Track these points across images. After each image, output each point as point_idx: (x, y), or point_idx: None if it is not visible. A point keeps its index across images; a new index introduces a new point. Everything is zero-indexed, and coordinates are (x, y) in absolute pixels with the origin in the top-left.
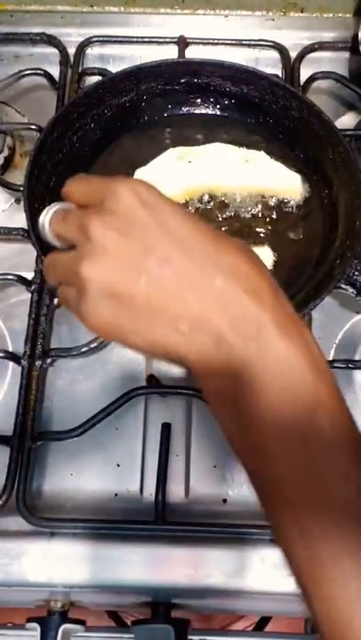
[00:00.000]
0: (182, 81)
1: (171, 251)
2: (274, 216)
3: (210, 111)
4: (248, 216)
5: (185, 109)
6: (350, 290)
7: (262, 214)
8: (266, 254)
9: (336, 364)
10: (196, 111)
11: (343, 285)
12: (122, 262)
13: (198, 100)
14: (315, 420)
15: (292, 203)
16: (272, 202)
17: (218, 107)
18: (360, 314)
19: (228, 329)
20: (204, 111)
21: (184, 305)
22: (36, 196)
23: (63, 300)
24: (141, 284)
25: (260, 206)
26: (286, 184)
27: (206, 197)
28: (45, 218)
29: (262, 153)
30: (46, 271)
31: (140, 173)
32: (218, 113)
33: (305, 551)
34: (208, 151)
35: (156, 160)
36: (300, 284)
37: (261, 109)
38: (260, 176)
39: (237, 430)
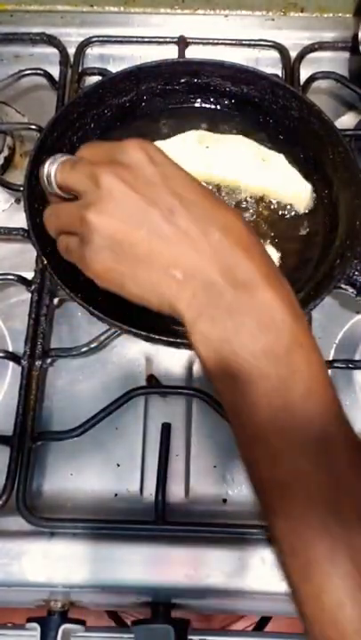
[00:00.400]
0: (182, 81)
1: (173, 205)
2: (276, 216)
3: (210, 111)
4: (251, 213)
5: (185, 109)
6: (350, 290)
7: (266, 214)
8: (272, 253)
9: (336, 364)
10: (196, 110)
11: (343, 285)
12: (127, 212)
13: (198, 100)
14: (294, 359)
15: (296, 207)
16: (277, 204)
17: (218, 106)
18: (360, 314)
19: (220, 277)
20: (205, 110)
21: (181, 254)
22: (36, 196)
23: (64, 248)
24: (143, 233)
25: (264, 206)
26: (296, 192)
27: (214, 188)
28: (52, 166)
29: (282, 157)
30: (47, 220)
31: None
32: (218, 112)
33: (285, 523)
34: (228, 141)
35: (176, 138)
36: (301, 284)
37: (261, 109)
38: (273, 179)
39: (225, 372)
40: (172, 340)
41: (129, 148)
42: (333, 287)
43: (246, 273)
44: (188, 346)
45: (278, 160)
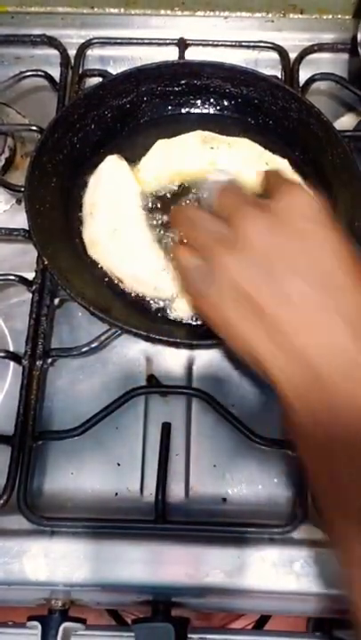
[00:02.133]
0: (182, 82)
1: (313, 283)
2: None
3: (211, 112)
4: None
5: (185, 110)
6: None
7: None
8: None
9: None
10: (196, 112)
11: None
12: (266, 270)
13: (198, 102)
14: None
15: None
16: None
17: (218, 108)
18: None
19: (339, 376)
20: (206, 111)
21: (305, 337)
22: (36, 197)
23: (184, 266)
24: (276, 301)
25: None
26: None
27: None
28: (218, 180)
29: (286, 162)
30: (179, 217)
31: (162, 144)
32: (217, 114)
33: None
34: (233, 143)
35: (182, 136)
36: None
37: (261, 110)
38: None
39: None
40: (171, 340)
41: (291, 197)
42: None
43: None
44: (188, 345)
45: (282, 165)
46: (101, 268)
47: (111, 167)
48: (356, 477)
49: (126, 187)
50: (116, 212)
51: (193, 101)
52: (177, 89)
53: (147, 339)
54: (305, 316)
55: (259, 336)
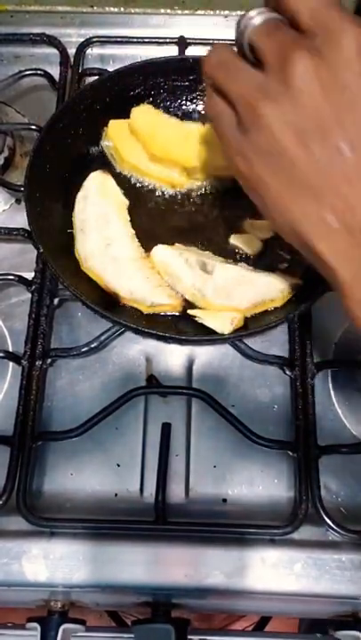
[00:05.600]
0: (191, 78)
1: (356, 141)
2: None
3: None
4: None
5: (192, 106)
6: None
7: None
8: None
9: (336, 364)
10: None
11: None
12: (306, 122)
13: (205, 98)
14: None
15: None
16: None
17: None
18: None
19: None
20: None
21: (347, 201)
22: (36, 197)
23: (215, 114)
24: (313, 157)
25: None
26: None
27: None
28: (252, 21)
29: None
30: (211, 61)
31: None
32: None
33: None
34: None
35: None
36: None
37: None
38: None
39: None
40: (160, 334)
41: (344, 39)
42: (329, 288)
43: None
44: (194, 342)
45: None
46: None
47: (97, 182)
48: None
49: (114, 201)
50: (106, 227)
51: (200, 97)
52: (186, 84)
53: (136, 332)
54: (348, 180)
55: (305, 207)
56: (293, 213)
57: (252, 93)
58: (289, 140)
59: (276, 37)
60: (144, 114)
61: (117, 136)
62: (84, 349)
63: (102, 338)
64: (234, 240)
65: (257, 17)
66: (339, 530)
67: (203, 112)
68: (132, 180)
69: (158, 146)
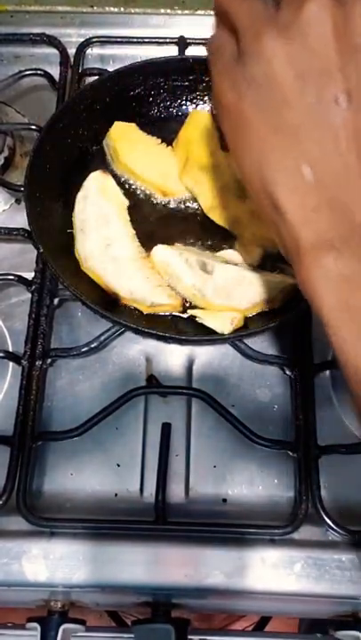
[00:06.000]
0: (191, 78)
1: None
2: None
3: None
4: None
5: (191, 107)
6: None
7: None
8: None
9: (336, 364)
10: (204, 108)
11: None
12: (311, 64)
13: (206, 98)
14: None
15: None
16: None
17: None
18: None
19: None
20: (212, 108)
21: (330, 154)
22: (36, 197)
23: (215, 48)
24: (307, 99)
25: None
26: None
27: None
28: None
29: None
30: None
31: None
32: None
33: None
34: None
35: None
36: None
37: None
38: None
39: (352, 320)
40: (160, 334)
41: None
42: None
43: None
44: (194, 342)
45: None
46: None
47: (97, 183)
48: None
49: (114, 201)
50: (106, 227)
51: (201, 97)
52: (186, 84)
53: (136, 332)
54: (331, 143)
55: (283, 153)
56: (268, 158)
57: (262, 22)
58: (288, 75)
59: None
60: (123, 133)
61: (118, 138)
62: (84, 349)
63: (102, 338)
64: (234, 251)
65: None
66: (339, 530)
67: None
68: (131, 181)
69: (138, 166)
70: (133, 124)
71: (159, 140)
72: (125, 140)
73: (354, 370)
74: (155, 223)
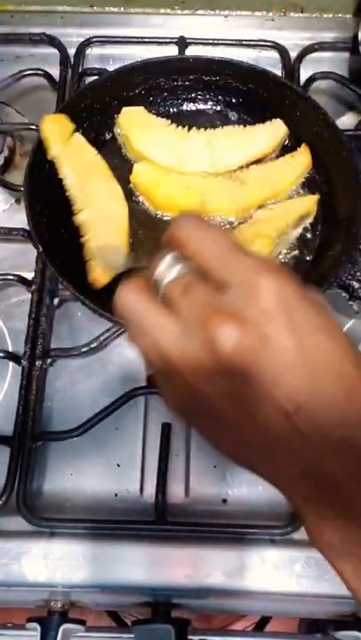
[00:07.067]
0: (191, 77)
1: (300, 396)
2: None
3: (217, 108)
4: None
5: (192, 106)
6: (343, 293)
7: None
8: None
9: None
10: (204, 108)
11: (337, 289)
12: (245, 389)
13: (206, 97)
14: None
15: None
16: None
17: (225, 104)
18: (355, 316)
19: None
20: (212, 108)
21: (302, 459)
22: (36, 197)
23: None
24: (257, 422)
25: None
26: (304, 202)
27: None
28: (165, 274)
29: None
30: (125, 311)
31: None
32: (225, 110)
33: None
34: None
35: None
36: None
37: (268, 108)
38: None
39: None
40: None
41: (262, 292)
42: (325, 290)
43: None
44: None
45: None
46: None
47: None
48: None
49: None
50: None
51: (201, 97)
52: (187, 83)
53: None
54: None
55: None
56: (258, 464)
57: (177, 359)
58: (230, 410)
59: (191, 297)
60: (146, 172)
61: (129, 124)
62: (84, 349)
63: (102, 338)
64: None
65: (167, 270)
66: None
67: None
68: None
69: (162, 198)
70: (141, 108)
71: (169, 122)
72: (136, 125)
73: None
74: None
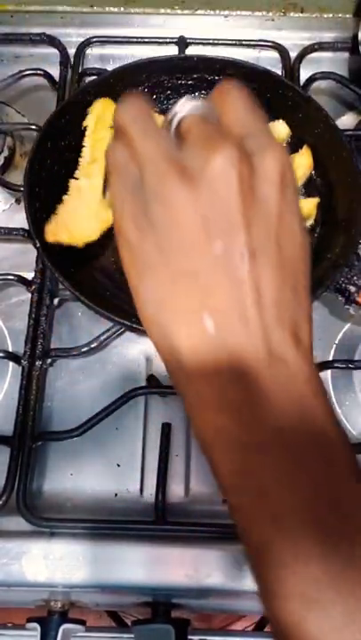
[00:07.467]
0: (195, 76)
1: (256, 248)
2: None
3: None
4: None
5: None
6: (340, 297)
7: None
8: None
9: (336, 364)
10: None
11: (333, 293)
12: (216, 214)
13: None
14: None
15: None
16: None
17: None
18: (353, 318)
19: (258, 361)
20: None
21: (233, 306)
22: (36, 196)
23: (115, 163)
24: (209, 253)
25: None
26: (303, 205)
27: None
28: (183, 107)
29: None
30: (129, 118)
31: None
32: None
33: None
34: None
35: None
36: None
37: (271, 109)
38: None
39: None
40: None
41: (270, 153)
42: (321, 293)
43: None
44: None
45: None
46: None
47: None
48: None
49: None
50: None
51: (204, 96)
52: (190, 82)
53: (136, 331)
54: (232, 294)
55: (186, 303)
56: (168, 303)
57: (166, 162)
58: (193, 226)
59: (209, 126)
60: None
61: (97, 114)
62: (84, 349)
63: (102, 338)
64: None
65: (193, 105)
66: None
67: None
68: None
69: None
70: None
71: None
72: (103, 118)
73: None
74: None
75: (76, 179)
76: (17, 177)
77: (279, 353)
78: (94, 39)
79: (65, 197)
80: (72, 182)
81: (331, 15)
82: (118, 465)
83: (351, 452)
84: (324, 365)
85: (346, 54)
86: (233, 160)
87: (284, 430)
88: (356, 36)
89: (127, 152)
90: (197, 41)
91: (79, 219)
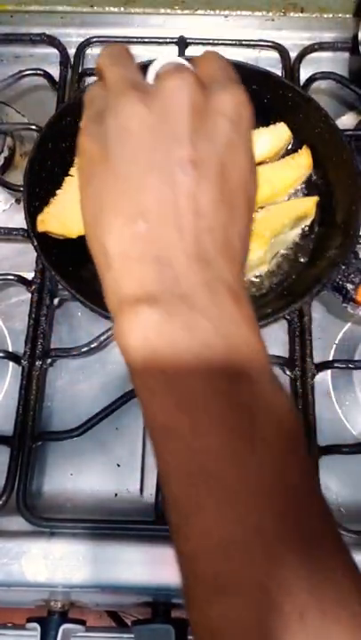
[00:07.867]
0: None
1: (211, 165)
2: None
3: None
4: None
5: None
6: (337, 296)
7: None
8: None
9: (336, 364)
10: None
11: (331, 291)
12: (164, 126)
13: None
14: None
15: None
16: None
17: None
18: (353, 316)
19: (188, 264)
20: None
21: (168, 211)
22: (35, 196)
23: (89, 97)
24: (151, 159)
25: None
26: (302, 203)
27: None
28: (162, 60)
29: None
30: (105, 57)
31: None
32: None
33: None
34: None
35: None
36: (288, 286)
37: (272, 110)
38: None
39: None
40: None
41: (229, 90)
42: (319, 291)
43: (224, 276)
44: None
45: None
46: None
47: None
48: None
49: None
50: None
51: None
52: None
53: None
54: (172, 198)
55: (122, 215)
56: (107, 204)
57: (127, 84)
58: (140, 133)
59: (180, 68)
60: None
61: None
62: (84, 349)
63: (102, 338)
64: None
65: (172, 59)
66: (339, 530)
67: None
68: None
69: None
70: None
71: None
72: None
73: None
74: None
75: (72, 175)
76: (17, 177)
77: (207, 258)
78: (94, 39)
79: (58, 192)
80: (67, 179)
81: (331, 15)
82: (118, 465)
83: (260, 352)
84: (324, 365)
85: (346, 54)
86: (190, 84)
87: (202, 329)
88: (356, 36)
89: (102, 89)
90: (197, 41)
91: (71, 209)
